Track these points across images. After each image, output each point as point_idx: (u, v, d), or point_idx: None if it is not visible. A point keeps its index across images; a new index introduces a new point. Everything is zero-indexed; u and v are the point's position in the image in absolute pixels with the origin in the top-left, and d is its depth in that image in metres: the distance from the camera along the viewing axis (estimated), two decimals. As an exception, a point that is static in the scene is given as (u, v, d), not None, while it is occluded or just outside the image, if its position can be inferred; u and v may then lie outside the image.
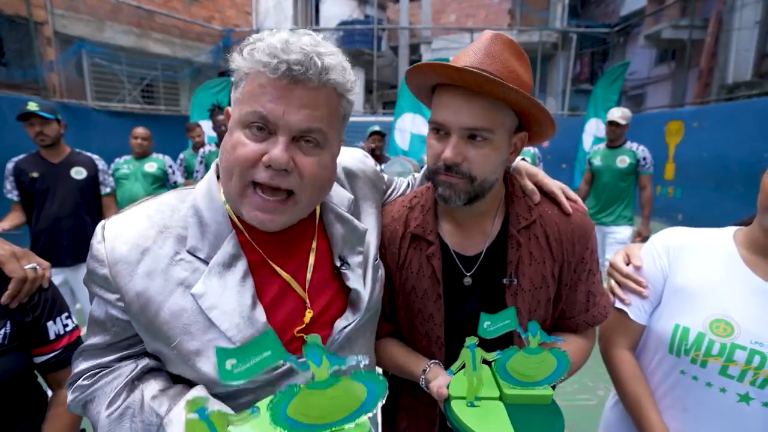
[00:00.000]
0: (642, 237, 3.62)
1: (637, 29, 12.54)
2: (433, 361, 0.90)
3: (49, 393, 1.06)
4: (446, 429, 0.98)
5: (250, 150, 0.65)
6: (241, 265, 0.72)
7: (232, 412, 0.62)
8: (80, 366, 0.73)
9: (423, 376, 0.87)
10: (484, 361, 0.74)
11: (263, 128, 0.65)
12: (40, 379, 1.05)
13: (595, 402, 2.68)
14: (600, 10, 15.93)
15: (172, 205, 0.74)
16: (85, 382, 0.72)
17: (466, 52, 0.82)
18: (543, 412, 0.74)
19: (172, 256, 0.69)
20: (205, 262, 0.70)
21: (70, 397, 0.74)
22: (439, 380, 0.78)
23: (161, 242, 0.69)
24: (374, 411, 0.58)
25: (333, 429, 0.56)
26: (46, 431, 0.98)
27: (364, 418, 0.58)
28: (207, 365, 0.68)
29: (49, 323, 0.99)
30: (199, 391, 0.69)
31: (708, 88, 9.91)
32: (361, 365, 0.54)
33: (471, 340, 0.71)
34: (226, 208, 0.74)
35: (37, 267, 0.97)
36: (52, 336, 0.99)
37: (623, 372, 1.02)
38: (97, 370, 0.72)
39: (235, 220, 0.74)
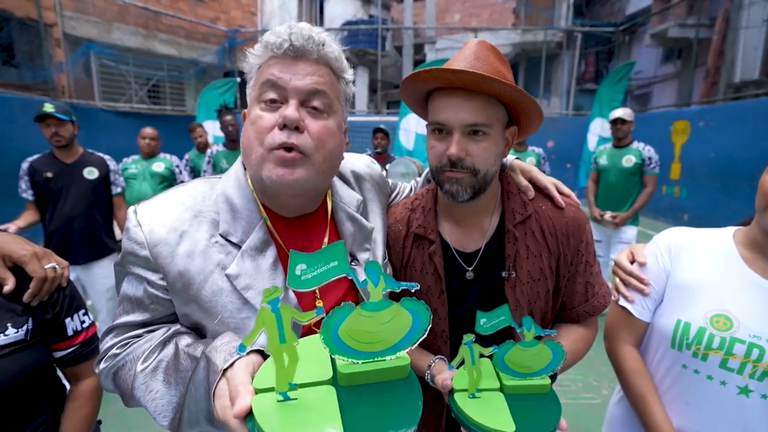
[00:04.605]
0: (615, 221, 3.59)
1: (643, 28, 12.46)
2: (438, 356, 0.93)
3: (68, 386, 1.09)
4: (453, 423, 1.01)
5: (266, 119, 0.72)
6: (272, 251, 0.76)
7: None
8: (111, 341, 0.75)
9: (428, 371, 0.90)
10: (483, 355, 0.77)
11: (276, 100, 0.72)
12: (59, 373, 1.08)
13: (599, 401, 2.69)
14: (605, 9, 15.84)
15: (203, 191, 0.78)
16: (117, 351, 0.73)
17: (456, 58, 0.87)
18: (541, 400, 0.78)
19: (209, 238, 0.73)
20: (237, 246, 0.74)
21: (101, 366, 0.74)
22: (444, 374, 0.81)
23: (197, 225, 0.74)
24: (414, 345, 0.62)
25: (375, 359, 0.60)
26: (64, 422, 1.02)
27: (404, 353, 0.62)
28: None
29: (67, 320, 1.02)
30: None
31: (715, 88, 9.81)
32: (413, 290, 0.58)
33: (468, 337, 0.74)
34: (254, 196, 0.78)
35: (57, 266, 0.99)
36: (69, 332, 1.02)
37: (628, 368, 1.05)
38: (129, 340, 0.74)
39: (262, 209, 0.79)
